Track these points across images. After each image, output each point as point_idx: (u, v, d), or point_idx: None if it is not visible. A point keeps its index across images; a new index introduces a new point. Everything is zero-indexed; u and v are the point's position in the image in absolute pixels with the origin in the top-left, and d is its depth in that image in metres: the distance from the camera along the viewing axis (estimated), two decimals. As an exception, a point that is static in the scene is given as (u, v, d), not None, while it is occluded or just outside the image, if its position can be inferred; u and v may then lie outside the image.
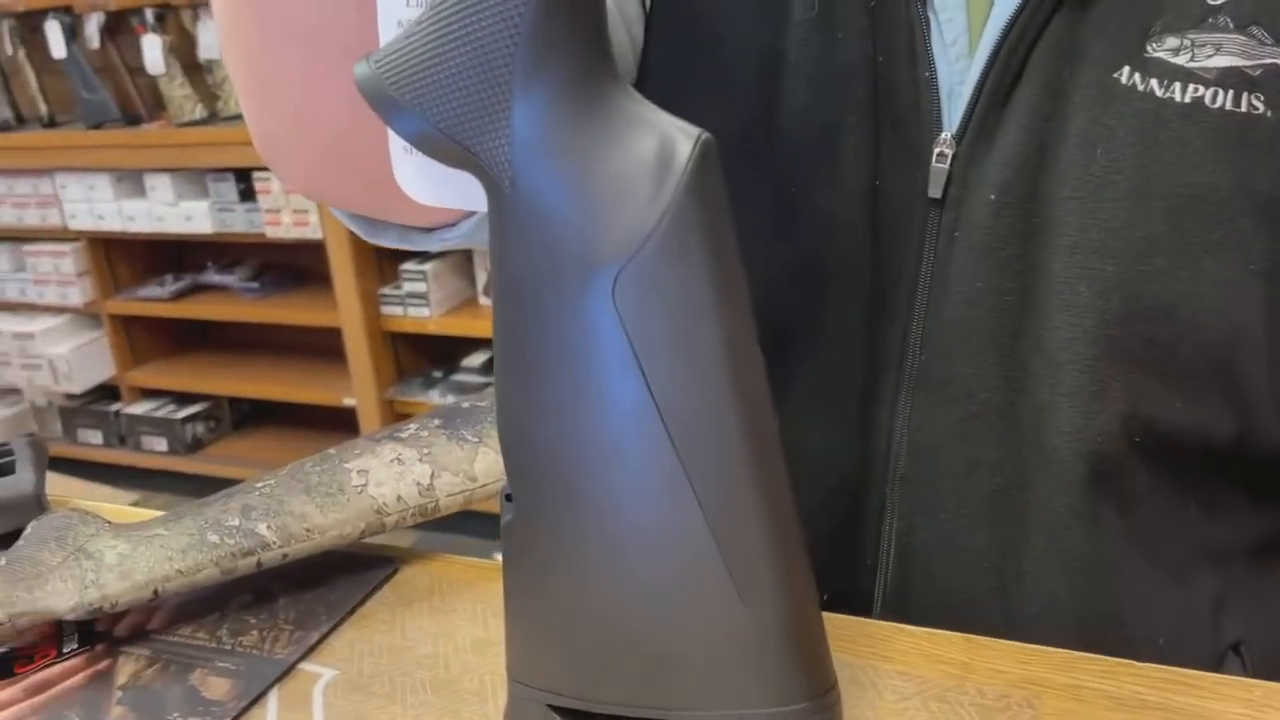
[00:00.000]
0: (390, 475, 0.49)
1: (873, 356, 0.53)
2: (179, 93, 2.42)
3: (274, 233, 2.36)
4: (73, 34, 2.47)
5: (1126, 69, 0.48)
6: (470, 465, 0.50)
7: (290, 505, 0.48)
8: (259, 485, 0.50)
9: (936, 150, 0.51)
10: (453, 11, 0.33)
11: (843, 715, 0.36)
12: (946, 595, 0.51)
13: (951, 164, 0.51)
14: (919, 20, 0.52)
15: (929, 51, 0.52)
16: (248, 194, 2.39)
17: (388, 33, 0.36)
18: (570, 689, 0.38)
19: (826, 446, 0.54)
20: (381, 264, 2.38)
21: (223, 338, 2.78)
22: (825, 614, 0.38)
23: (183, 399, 2.74)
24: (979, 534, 0.52)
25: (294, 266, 2.63)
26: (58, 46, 2.46)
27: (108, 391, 2.79)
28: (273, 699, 0.43)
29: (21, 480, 0.54)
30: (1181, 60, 0.48)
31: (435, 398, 2.40)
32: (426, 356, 2.49)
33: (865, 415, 0.53)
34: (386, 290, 2.37)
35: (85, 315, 2.74)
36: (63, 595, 0.45)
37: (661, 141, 0.33)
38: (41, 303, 2.74)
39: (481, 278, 2.40)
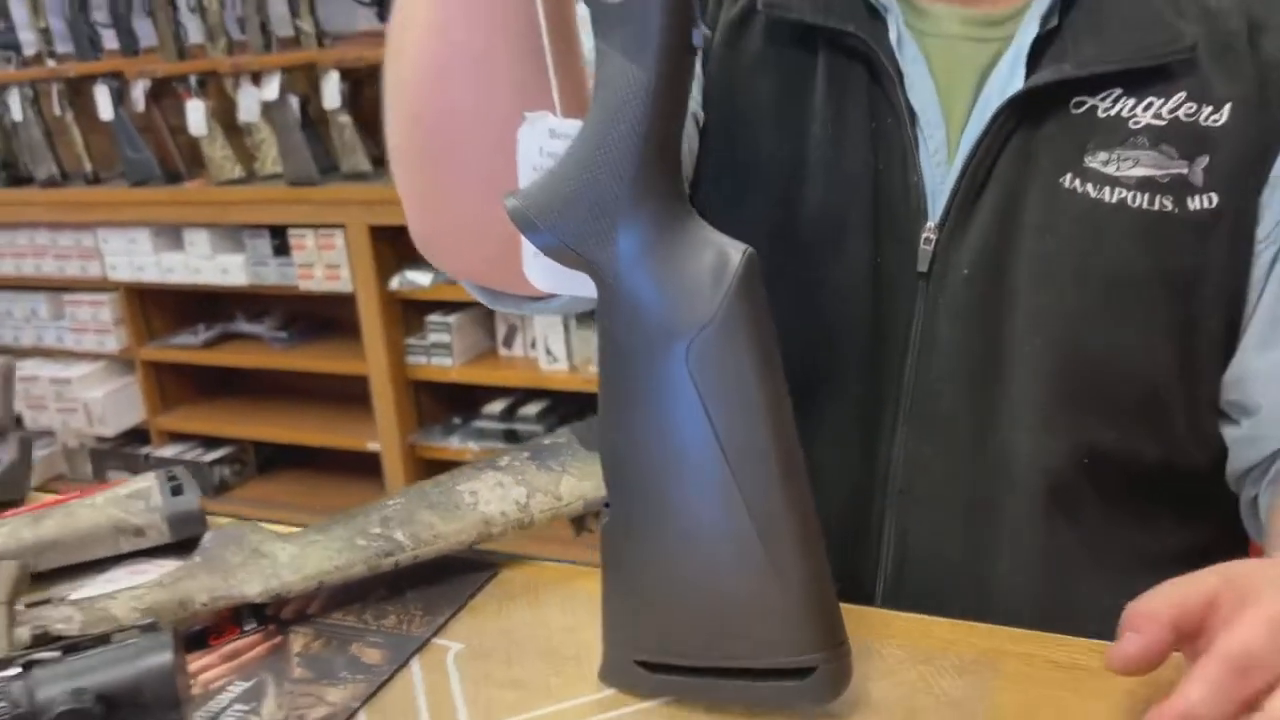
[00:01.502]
0: (495, 495, 0.63)
1: (875, 398, 0.68)
2: (219, 153, 2.58)
3: (306, 285, 2.51)
4: (120, 98, 2.63)
5: (1069, 175, 0.63)
6: (556, 487, 0.64)
7: (419, 517, 0.62)
8: (390, 503, 0.63)
9: (923, 236, 0.66)
10: (577, 166, 0.47)
11: (852, 666, 0.49)
12: (933, 588, 0.65)
13: (935, 247, 0.66)
14: (909, 139, 0.66)
15: (918, 162, 0.66)
16: (281, 249, 2.54)
17: (524, 172, 0.50)
18: (651, 648, 0.51)
19: (840, 467, 0.68)
20: (407, 316, 2.52)
21: (250, 384, 2.91)
22: (853, 605, 0.51)
23: (210, 443, 2.87)
24: (959, 538, 0.66)
25: (321, 317, 2.77)
26: (106, 109, 2.62)
27: (138, 435, 2.92)
28: (415, 664, 0.56)
29: (191, 499, 0.68)
30: (1110, 170, 0.63)
31: (455, 443, 2.53)
32: (447, 404, 2.63)
33: (870, 443, 0.67)
34: (412, 340, 2.51)
35: (119, 361, 2.88)
36: (251, 584, 0.58)
37: (719, 254, 0.47)
38: (78, 349, 2.87)
39: (501, 330, 2.54)
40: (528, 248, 0.51)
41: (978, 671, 0.53)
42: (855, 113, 0.67)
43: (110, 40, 2.71)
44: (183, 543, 0.68)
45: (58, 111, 2.74)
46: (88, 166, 2.75)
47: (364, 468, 2.60)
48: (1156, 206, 0.62)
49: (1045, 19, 0.64)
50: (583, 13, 0.49)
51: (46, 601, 0.58)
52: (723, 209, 0.64)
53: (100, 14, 2.71)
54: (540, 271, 0.51)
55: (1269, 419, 0.64)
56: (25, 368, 2.88)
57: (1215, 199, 0.62)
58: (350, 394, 2.64)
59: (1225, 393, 0.66)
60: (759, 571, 0.47)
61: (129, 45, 2.67)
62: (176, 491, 0.68)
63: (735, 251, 0.47)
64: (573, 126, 0.48)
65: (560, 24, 0.52)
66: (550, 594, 0.62)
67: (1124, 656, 0.44)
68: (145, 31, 2.69)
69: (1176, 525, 0.68)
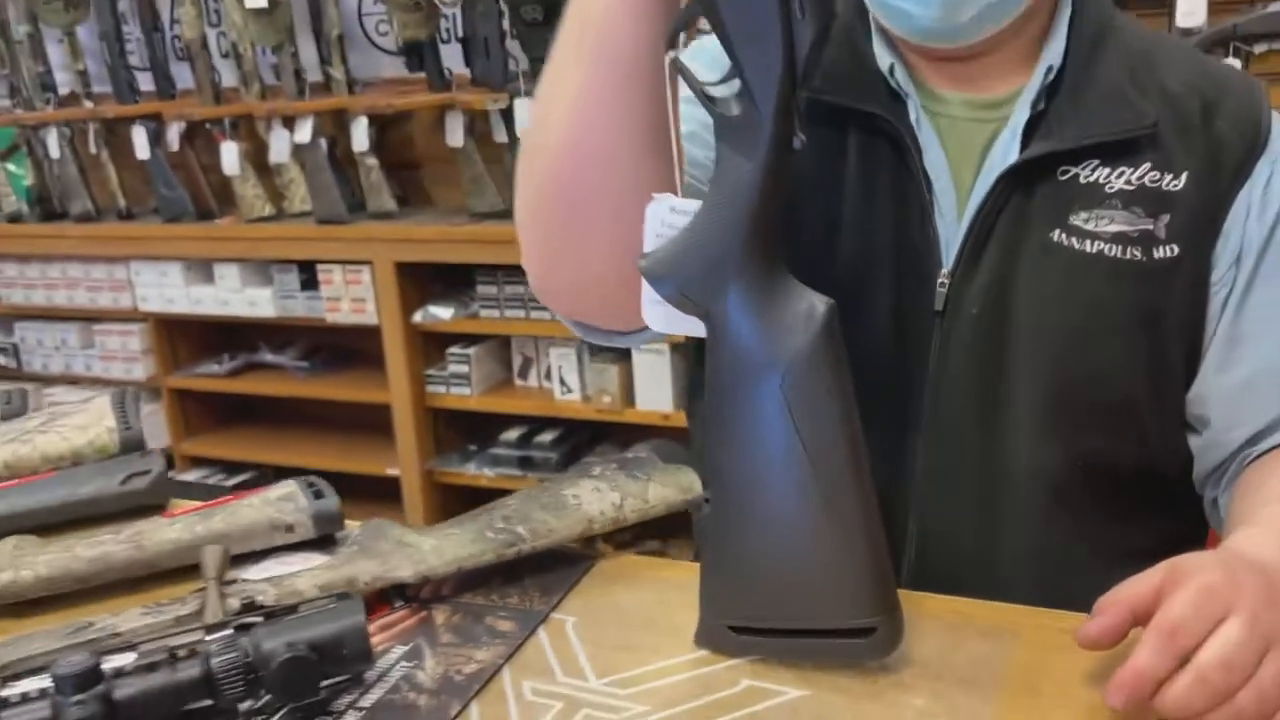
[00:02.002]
0: (594, 498, 0.76)
1: (900, 416, 0.82)
2: (250, 192, 2.71)
3: (334, 318, 2.63)
4: (156, 138, 2.76)
5: (1057, 231, 0.78)
6: (645, 492, 0.77)
7: (534, 515, 0.75)
8: (508, 504, 0.77)
9: (939, 280, 0.81)
10: (699, 235, 0.60)
11: (904, 627, 0.62)
12: (949, 574, 0.78)
13: (948, 289, 0.80)
14: (927, 200, 0.81)
15: (934, 219, 0.81)
16: (309, 283, 2.67)
17: (649, 239, 0.64)
18: (739, 615, 0.64)
19: (874, 471, 0.81)
20: (428, 348, 2.65)
21: (272, 412, 3.02)
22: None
23: (231, 468, 2.98)
24: (971, 533, 0.80)
25: (342, 348, 2.90)
26: (143, 149, 2.75)
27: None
28: (542, 632, 0.69)
29: (332, 501, 0.80)
30: (1090, 226, 0.77)
31: (471, 469, 2.65)
32: (464, 432, 2.75)
33: (896, 454, 0.81)
34: (432, 371, 2.64)
35: (146, 389, 2.99)
36: (403, 568, 0.71)
37: (808, 304, 0.61)
38: (106, 377, 2.98)
39: (517, 362, 2.67)
40: (649, 295, 0.64)
41: (997, 636, 0.66)
42: (882, 177, 0.81)
43: (146, 82, 2.85)
44: (319, 539, 0.81)
45: (94, 150, 2.87)
46: (121, 202, 2.87)
47: (383, 492, 2.71)
48: (1128, 256, 0.77)
49: (1035, 103, 0.79)
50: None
51: (233, 582, 0.71)
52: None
53: (135, 58, 2.86)
54: (658, 316, 0.65)
55: (1223, 430, 0.78)
56: (53, 394, 2.99)
57: (1176, 249, 0.77)
58: (370, 422, 2.76)
59: (1189, 408, 0.80)
60: (831, 550, 0.61)
61: (165, 89, 2.81)
62: (318, 495, 0.81)
63: (820, 303, 0.61)
64: (690, 205, 0.62)
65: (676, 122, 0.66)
66: (641, 579, 0.75)
67: (1086, 635, 0.58)
68: (180, 74, 2.84)
69: (1153, 520, 0.81)
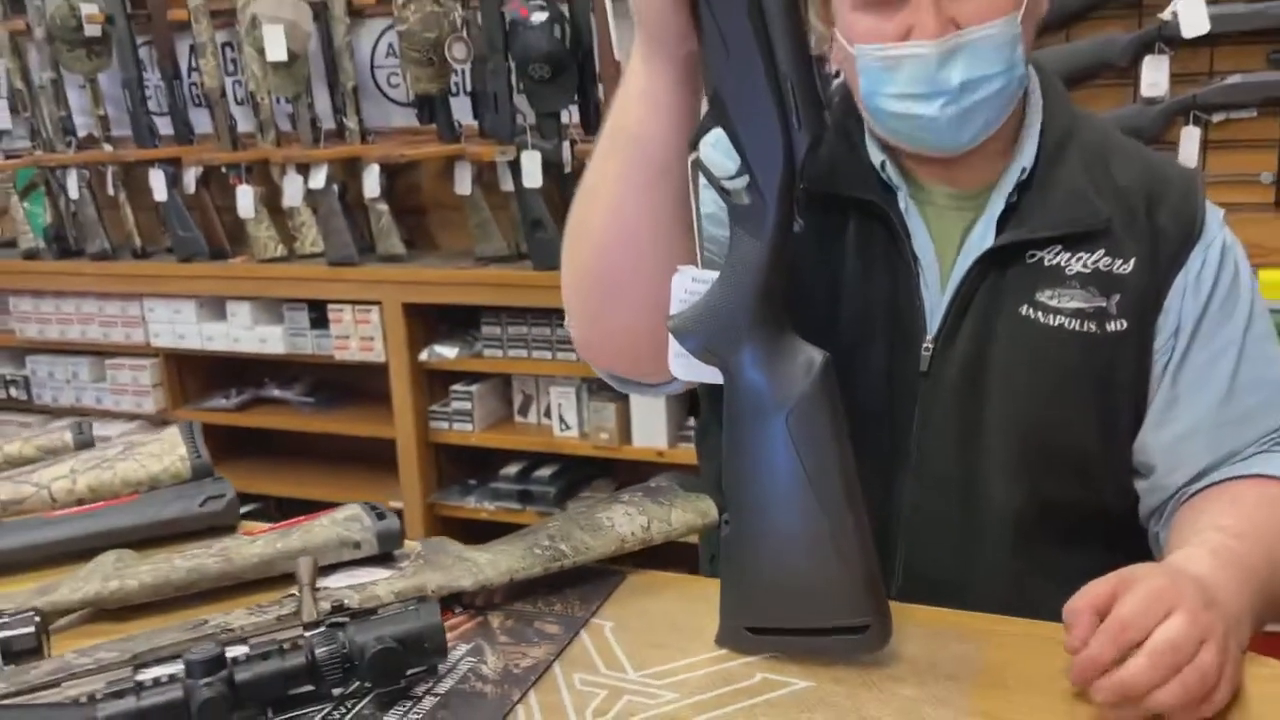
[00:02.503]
0: (625, 520, 0.88)
1: (890, 462, 0.94)
2: (264, 233, 2.83)
3: (342, 355, 2.75)
4: (174, 181, 2.88)
5: (1025, 306, 0.91)
6: (669, 517, 0.89)
7: (574, 534, 0.87)
8: (550, 524, 0.88)
9: (924, 345, 0.93)
10: (718, 301, 0.73)
11: (893, 625, 0.74)
12: (931, 594, 0.90)
13: (932, 353, 0.93)
14: (915, 276, 0.94)
15: (920, 293, 0.94)
16: (319, 321, 2.78)
17: (675, 304, 0.76)
18: (754, 617, 0.76)
19: (868, 504, 0.93)
20: (432, 385, 2.76)
21: (278, 446, 3.12)
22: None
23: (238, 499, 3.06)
24: (950, 560, 0.92)
25: (346, 385, 3.01)
26: (160, 192, 2.87)
27: (168, 491, 3.11)
28: (584, 634, 0.81)
29: (393, 522, 0.92)
30: (1053, 303, 0.90)
31: (471, 503, 2.75)
32: (465, 467, 2.86)
33: (887, 494, 0.94)
34: (435, 408, 2.76)
35: (155, 423, 3.08)
36: (464, 579, 0.83)
37: (808, 357, 0.73)
38: (116, 410, 3.08)
39: (518, 399, 2.79)
40: (675, 349, 0.77)
41: (976, 639, 0.78)
42: (877, 255, 0.95)
43: (164, 126, 2.97)
44: (380, 556, 0.92)
45: (111, 191, 2.99)
46: (137, 242, 2.99)
47: (386, 524, 2.81)
48: (1085, 329, 0.90)
49: (1008, 197, 0.92)
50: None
51: (320, 588, 0.82)
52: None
53: (153, 103, 2.98)
54: (682, 367, 0.78)
55: (1164, 475, 0.92)
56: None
57: (1125, 324, 0.91)
58: (374, 456, 2.87)
59: (1135, 456, 0.93)
60: (830, 559, 0.73)
61: (184, 134, 2.94)
62: (380, 516, 0.93)
63: (818, 355, 0.73)
64: (709, 275, 0.75)
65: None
66: (667, 591, 0.87)
67: (1072, 645, 0.70)
68: (198, 120, 2.96)
69: (1105, 551, 0.94)
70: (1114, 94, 2.34)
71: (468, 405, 2.72)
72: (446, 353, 2.69)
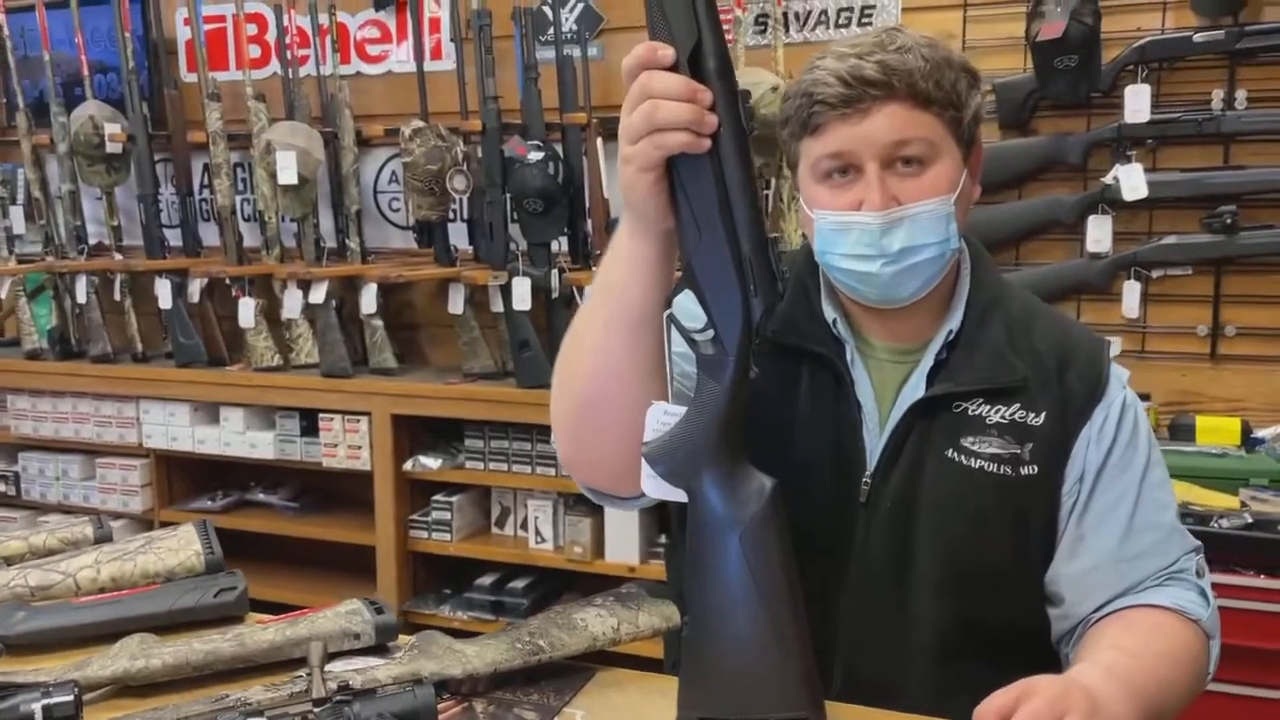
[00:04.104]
0: (597, 621, 1.00)
1: (833, 580, 1.07)
2: (262, 343, 2.97)
3: (330, 463, 2.85)
4: (179, 290, 3.03)
5: (950, 449, 1.05)
6: (636, 620, 1.01)
7: (552, 633, 0.98)
8: (531, 624, 1.00)
9: (864, 479, 1.07)
10: (683, 433, 0.87)
11: (827, 717, 0.86)
12: (867, 696, 1.01)
13: (870, 488, 1.07)
14: (857, 419, 1.08)
15: (861, 434, 1.08)
16: (309, 429, 2.90)
17: (648, 434, 0.90)
18: (708, 708, 0.87)
19: (811, 618, 1.05)
20: (414, 495, 2.87)
21: (260, 549, 3.19)
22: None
23: (214, 600, 3.12)
24: (886, 667, 1.04)
25: (330, 491, 3.11)
26: (165, 300, 3.01)
27: (146, 590, 3.16)
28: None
29: (389, 617, 1.03)
30: (975, 448, 1.04)
31: (446, 612, 2.82)
32: (440, 575, 2.94)
33: (828, 607, 1.06)
34: (415, 517, 2.85)
35: (140, 521, 3.16)
36: (454, 667, 0.94)
37: (760, 484, 0.87)
38: (102, 508, 3.15)
39: (495, 511, 2.89)
40: (647, 471, 0.90)
41: (896, 736, 0.90)
42: (825, 399, 1.09)
43: (174, 238, 3.14)
44: (376, 647, 1.03)
45: (118, 297, 3.13)
46: (139, 346, 3.12)
47: (360, 630, 2.87)
48: (1001, 472, 1.04)
49: (938, 354, 1.07)
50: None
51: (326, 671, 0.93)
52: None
53: (164, 216, 3.15)
54: (653, 487, 0.91)
55: (1072, 604, 1.05)
56: (49, 522, 3.14)
57: (1036, 469, 1.05)
58: (352, 562, 2.95)
59: (1047, 586, 1.07)
60: (774, 660, 0.85)
61: (192, 247, 3.10)
62: (379, 611, 1.04)
63: (768, 482, 0.87)
64: (678, 410, 0.89)
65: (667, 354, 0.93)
66: (632, 686, 0.98)
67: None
68: (205, 233, 3.13)
69: (1020, 668, 1.05)
70: (1063, 248, 2.54)
71: (447, 515, 2.82)
72: (430, 463, 2.80)
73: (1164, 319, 2.49)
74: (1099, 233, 2.48)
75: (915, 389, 1.07)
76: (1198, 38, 2.33)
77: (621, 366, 0.94)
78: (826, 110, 1.00)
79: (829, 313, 1.10)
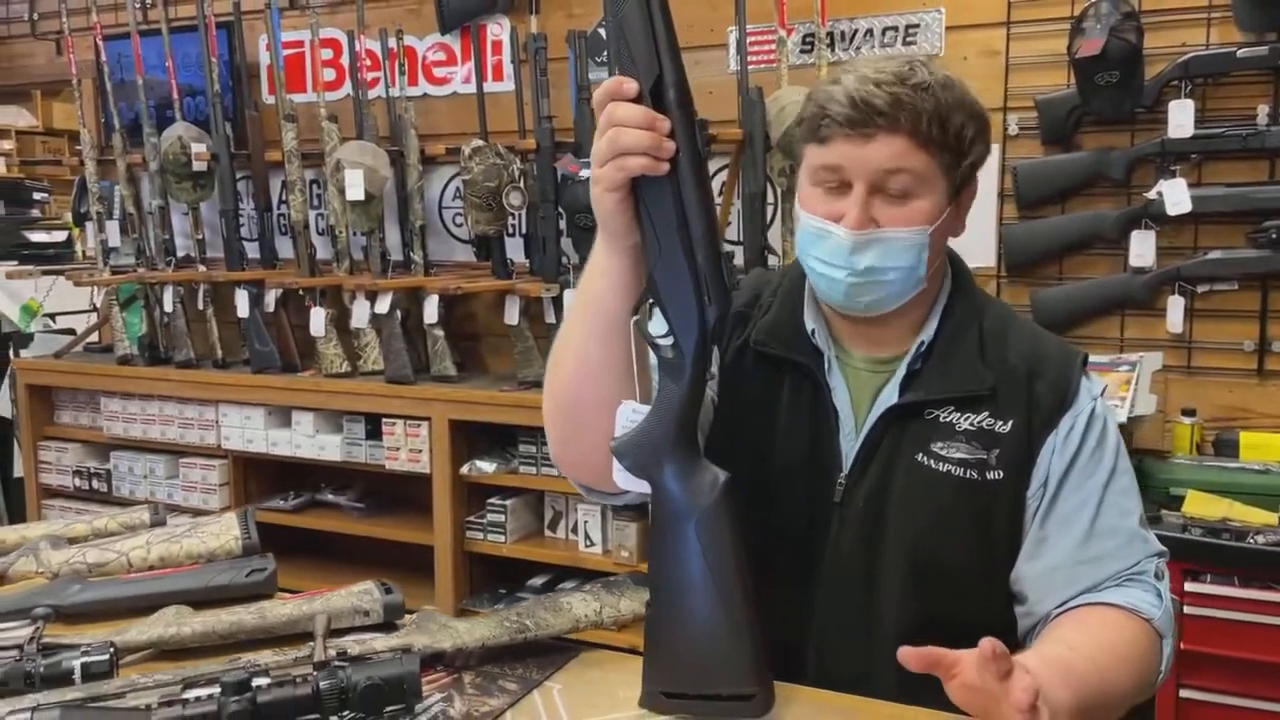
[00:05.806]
0: (582, 604, 1.09)
1: (806, 575, 1.13)
2: (331, 351, 3.13)
3: (392, 465, 2.99)
4: (256, 300, 3.21)
5: (920, 454, 1.11)
6: (618, 605, 1.09)
7: (538, 613, 1.07)
8: (521, 604, 1.09)
9: (839, 481, 1.13)
10: (647, 430, 0.95)
11: (774, 696, 0.93)
12: (838, 682, 1.07)
13: (844, 488, 1.13)
14: (834, 425, 1.14)
15: (838, 438, 1.14)
16: (373, 433, 3.04)
17: (618, 430, 0.98)
18: (668, 683, 0.95)
19: (785, 613, 1.12)
20: (470, 498, 2.99)
21: (326, 546, 3.35)
22: (795, 685, 0.95)
23: (285, 595, 3.28)
24: (856, 659, 1.10)
25: (393, 493, 3.25)
26: (243, 309, 3.20)
27: (223, 583, 3.34)
28: (536, 693, 1.00)
29: (398, 596, 1.13)
30: (944, 453, 1.10)
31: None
32: (495, 575, 3.05)
33: (802, 602, 1.13)
34: (472, 518, 2.97)
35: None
36: (445, 642, 1.03)
37: (714, 476, 0.94)
38: (185, 505, 3.35)
39: (548, 515, 3.00)
40: (617, 465, 0.99)
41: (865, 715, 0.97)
42: (804, 406, 1.16)
43: (252, 251, 3.32)
44: (382, 625, 1.13)
45: (201, 306, 3.33)
46: (219, 353, 3.31)
47: (419, 626, 3.00)
48: (968, 475, 1.10)
49: (911, 364, 1.13)
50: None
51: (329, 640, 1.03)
52: (721, 455, 1.11)
53: (244, 230, 3.34)
54: (623, 479, 0.99)
55: (1035, 603, 1.09)
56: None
57: (1002, 474, 1.10)
58: (412, 561, 3.07)
59: (1011, 585, 1.11)
60: (726, 639, 0.92)
61: (269, 259, 3.28)
62: (388, 591, 1.14)
63: (722, 475, 0.94)
64: (644, 409, 0.97)
65: (642, 360, 1.01)
66: (612, 666, 1.07)
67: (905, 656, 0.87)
68: (281, 246, 3.31)
69: (984, 664, 1.11)
70: (1106, 262, 2.54)
71: (502, 518, 2.93)
72: (486, 467, 2.92)
73: (1210, 334, 2.47)
74: (1142, 247, 2.48)
75: (890, 396, 1.13)
76: (1242, 53, 2.33)
77: (599, 370, 1.03)
78: (834, 125, 1.07)
79: (809, 323, 1.17)
